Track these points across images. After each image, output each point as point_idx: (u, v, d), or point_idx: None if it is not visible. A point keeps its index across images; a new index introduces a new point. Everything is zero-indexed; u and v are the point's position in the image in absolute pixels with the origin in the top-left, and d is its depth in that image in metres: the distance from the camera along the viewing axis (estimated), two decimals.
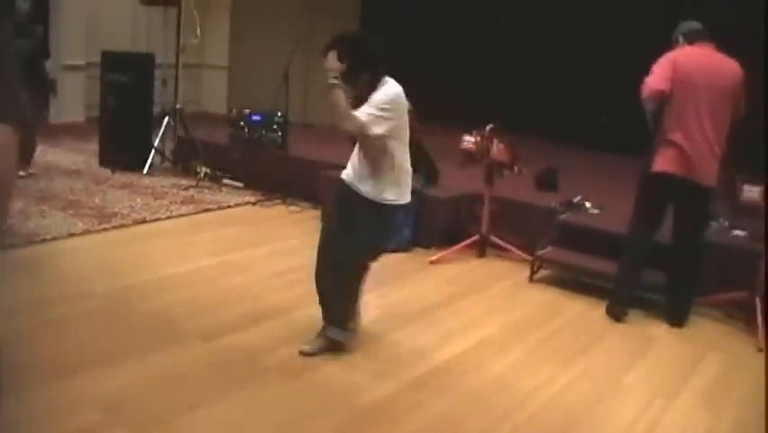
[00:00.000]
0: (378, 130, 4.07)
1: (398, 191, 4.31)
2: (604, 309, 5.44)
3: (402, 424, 3.78)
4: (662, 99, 5.12)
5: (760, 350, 5.00)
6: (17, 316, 4.67)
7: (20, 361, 4.06)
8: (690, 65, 5.11)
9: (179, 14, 9.60)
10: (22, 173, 7.95)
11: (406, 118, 4.27)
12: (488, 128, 6.27)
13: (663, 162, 5.16)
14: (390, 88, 4.17)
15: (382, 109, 4.07)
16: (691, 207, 5.27)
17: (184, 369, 4.17)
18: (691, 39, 5.24)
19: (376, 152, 4.23)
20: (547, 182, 7.14)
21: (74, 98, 11.95)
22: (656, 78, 5.13)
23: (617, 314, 5.37)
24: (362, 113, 4.06)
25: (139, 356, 4.25)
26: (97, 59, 9.52)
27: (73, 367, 4.06)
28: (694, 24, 5.30)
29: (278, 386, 4.08)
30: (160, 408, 3.74)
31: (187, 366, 4.20)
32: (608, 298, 5.49)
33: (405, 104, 4.25)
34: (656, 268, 5.49)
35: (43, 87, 8.67)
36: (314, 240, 5.10)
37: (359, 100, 4.15)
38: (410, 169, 4.37)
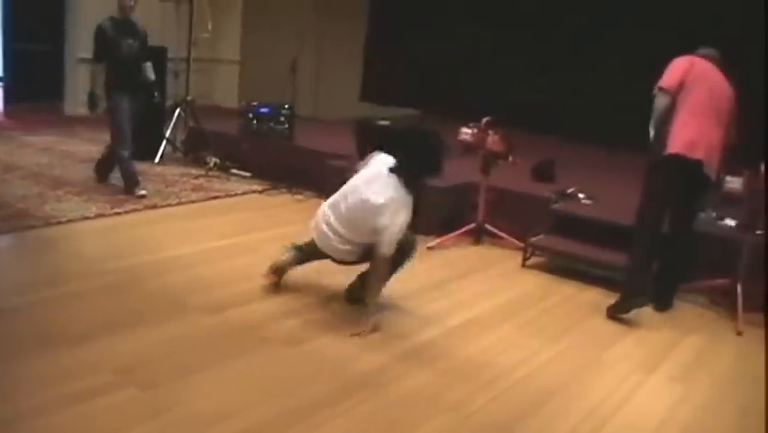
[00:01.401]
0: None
1: None
2: (588, 292, 5.69)
3: (387, 391, 4.05)
4: (679, 91, 5.36)
5: (738, 334, 5.25)
6: (33, 290, 4.97)
7: (32, 330, 4.38)
8: (705, 68, 5.43)
9: (191, 10, 9.90)
10: (142, 192, 7.63)
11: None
12: (484, 120, 6.54)
13: (679, 146, 5.32)
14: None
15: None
16: (694, 195, 5.54)
17: (189, 338, 4.45)
18: (704, 57, 5.52)
19: None
20: (544, 173, 7.40)
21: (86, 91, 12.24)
22: (676, 71, 5.42)
23: (638, 304, 5.38)
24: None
25: (147, 327, 4.54)
26: None
27: (84, 335, 4.35)
28: (711, 51, 5.55)
29: (275, 354, 4.36)
30: (166, 370, 4.02)
31: (192, 336, 4.48)
32: (622, 292, 5.47)
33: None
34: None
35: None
36: None
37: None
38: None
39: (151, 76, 8.03)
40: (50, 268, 5.46)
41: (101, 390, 3.76)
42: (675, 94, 5.36)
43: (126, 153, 7.69)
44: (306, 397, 3.90)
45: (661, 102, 5.40)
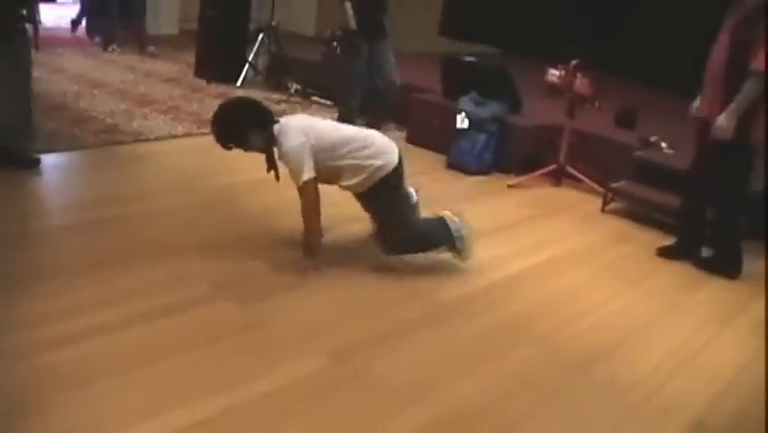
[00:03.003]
0: (306, 176, 4.36)
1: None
2: (670, 241, 5.68)
3: (476, 319, 4.19)
4: None
5: None
6: (125, 203, 5.16)
7: (126, 241, 4.58)
8: None
9: None
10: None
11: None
12: (573, 63, 6.52)
13: None
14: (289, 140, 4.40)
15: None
16: None
17: (283, 258, 4.59)
18: None
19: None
20: (626, 120, 7.36)
21: (169, 10, 12.40)
22: None
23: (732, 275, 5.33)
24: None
25: (241, 245, 4.72)
26: None
27: (179, 249, 4.54)
28: None
29: (366, 278, 4.52)
30: (261, 287, 4.20)
31: (286, 256, 4.61)
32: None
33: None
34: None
35: None
36: None
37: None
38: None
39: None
40: (140, 183, 5.64)
41: (199, 300, 3.95)
42: None
43: (359, 98, 7.62)
44: (394, 320, 4.05)
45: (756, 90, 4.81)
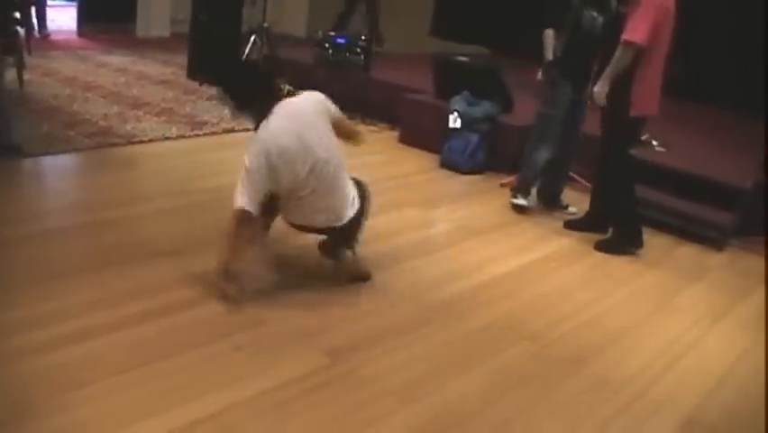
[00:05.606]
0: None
1: None
2: (659, 238, 5.75)
3: (469, 319, 4.23)
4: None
5: None
6: (123, 205, 5.18)
7: (124, 242, 4.61)
8: None
9: None
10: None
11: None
12: None
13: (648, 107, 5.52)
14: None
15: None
16: None
17: (279, 257, 4.65)
18: None
19: None
20: None
21: (160, 13, 12.41)
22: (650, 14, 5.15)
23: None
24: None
25: None
26: None
27: (177, 250, 4.58)
28: None
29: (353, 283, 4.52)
30: (255, 286, 4.24)
31: (281, 255, 4.66)
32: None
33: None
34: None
35: None
36: (390, 156, 5.47)
37: None
38: None
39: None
40: (135, 185, 5.67)
41: (195, 301, 3.99)
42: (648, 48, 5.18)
43: (546, 156, 6.05)
44: (389, 320, 4.10)
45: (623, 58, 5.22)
